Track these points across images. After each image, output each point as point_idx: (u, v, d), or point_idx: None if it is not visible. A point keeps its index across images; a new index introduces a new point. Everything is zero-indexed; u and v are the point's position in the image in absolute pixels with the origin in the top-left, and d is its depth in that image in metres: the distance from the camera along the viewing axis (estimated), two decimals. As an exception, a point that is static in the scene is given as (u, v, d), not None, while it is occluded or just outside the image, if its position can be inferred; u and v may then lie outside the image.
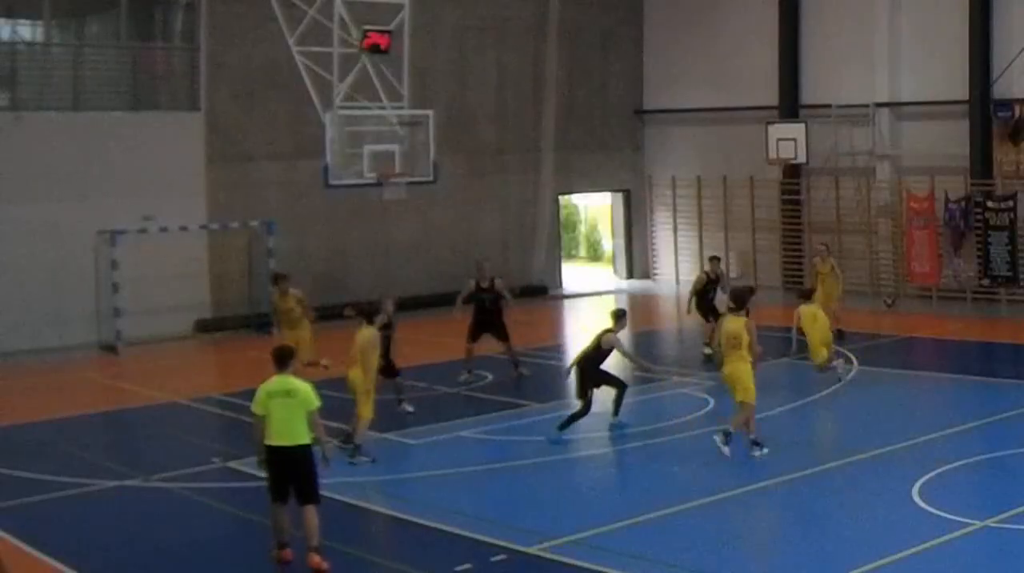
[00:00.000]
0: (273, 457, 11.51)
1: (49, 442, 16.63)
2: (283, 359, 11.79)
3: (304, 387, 11.59)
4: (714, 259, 22.90)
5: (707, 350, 20.86)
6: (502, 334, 20.34)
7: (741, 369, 14.95)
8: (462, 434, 16.59)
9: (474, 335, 20.33)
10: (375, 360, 15.44)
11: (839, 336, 21.53)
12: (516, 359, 20.46)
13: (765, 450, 14.88)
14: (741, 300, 15.43)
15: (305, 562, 11.40)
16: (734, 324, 15.05)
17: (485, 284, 20.34)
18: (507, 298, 20.57)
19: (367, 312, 15.72)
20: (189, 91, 26.31)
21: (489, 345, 20.46)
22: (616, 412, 16.54)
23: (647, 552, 11.59)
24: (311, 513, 11.49)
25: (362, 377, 15.24)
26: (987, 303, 26.79)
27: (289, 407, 11.45)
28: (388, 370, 17.02)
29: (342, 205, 26.70)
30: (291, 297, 19.82)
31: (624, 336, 17.07)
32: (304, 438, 11.46)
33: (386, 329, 16.64)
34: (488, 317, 20.30)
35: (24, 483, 14.73)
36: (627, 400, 16.26)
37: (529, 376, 20.20)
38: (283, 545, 11.61)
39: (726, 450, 14.76)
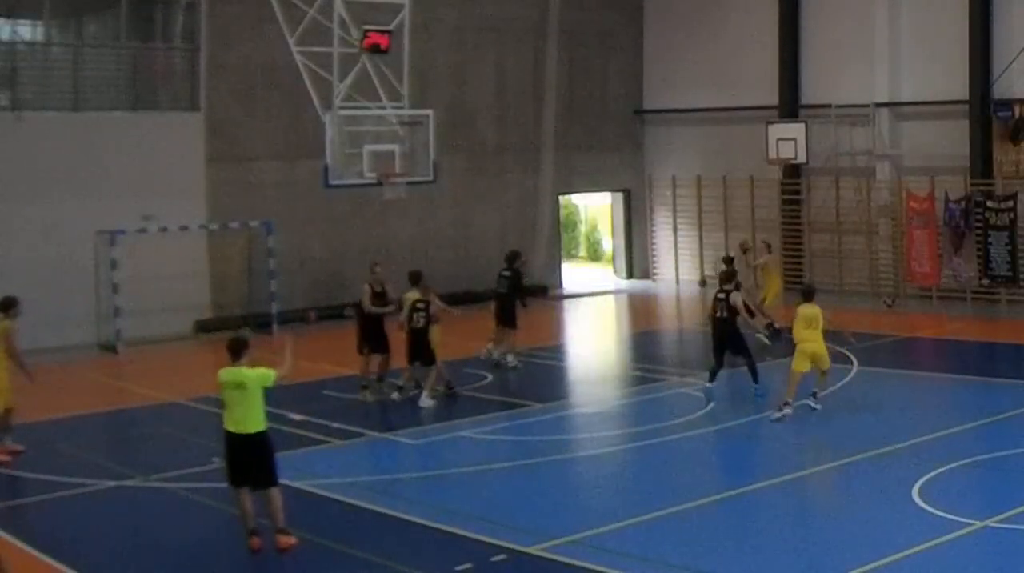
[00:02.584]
0: (229, 442, 11.89)
1: (49, 442, 16.62)
2: (236, 350, 11.98)
3: (253, 376, 11.78)
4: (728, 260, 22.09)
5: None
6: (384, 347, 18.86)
7: (823, 344, 16.99)
8: (462, 434, 16.58)
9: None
10: None
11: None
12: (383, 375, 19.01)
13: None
14: (810, 292, 17.45)
15: (273, 544, 11.75)
16: (813, 309, 16.92)
17: (379, 289, 18.94)
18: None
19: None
20: (189, 91, 26.29)
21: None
22: (755, 379, 17.81)
23: (647, 552, 11.60)
24: (273, 496, 11.85)
25: None
26: (987, 303, 26.77)
27: (240, 398, 11.77)
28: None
29: (342, 205, 26.71)
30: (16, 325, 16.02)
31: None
32: (259, 425, 11.80)
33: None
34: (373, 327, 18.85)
35: (24, 483, 14.74)
36: (627, 400, 16.25)
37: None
38: (252, 533, 11.83)
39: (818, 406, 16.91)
